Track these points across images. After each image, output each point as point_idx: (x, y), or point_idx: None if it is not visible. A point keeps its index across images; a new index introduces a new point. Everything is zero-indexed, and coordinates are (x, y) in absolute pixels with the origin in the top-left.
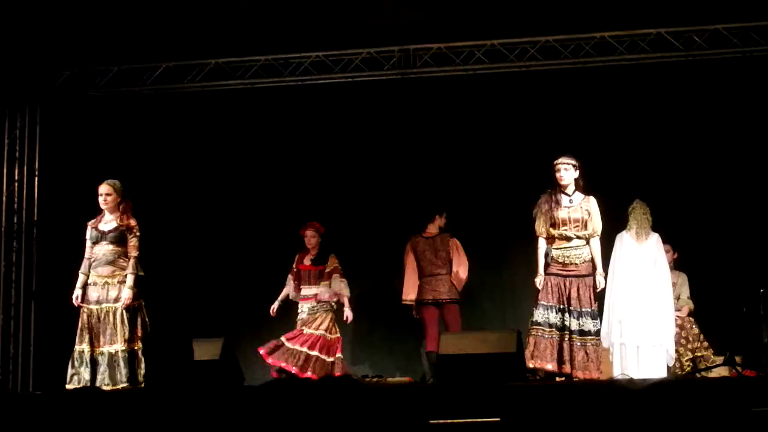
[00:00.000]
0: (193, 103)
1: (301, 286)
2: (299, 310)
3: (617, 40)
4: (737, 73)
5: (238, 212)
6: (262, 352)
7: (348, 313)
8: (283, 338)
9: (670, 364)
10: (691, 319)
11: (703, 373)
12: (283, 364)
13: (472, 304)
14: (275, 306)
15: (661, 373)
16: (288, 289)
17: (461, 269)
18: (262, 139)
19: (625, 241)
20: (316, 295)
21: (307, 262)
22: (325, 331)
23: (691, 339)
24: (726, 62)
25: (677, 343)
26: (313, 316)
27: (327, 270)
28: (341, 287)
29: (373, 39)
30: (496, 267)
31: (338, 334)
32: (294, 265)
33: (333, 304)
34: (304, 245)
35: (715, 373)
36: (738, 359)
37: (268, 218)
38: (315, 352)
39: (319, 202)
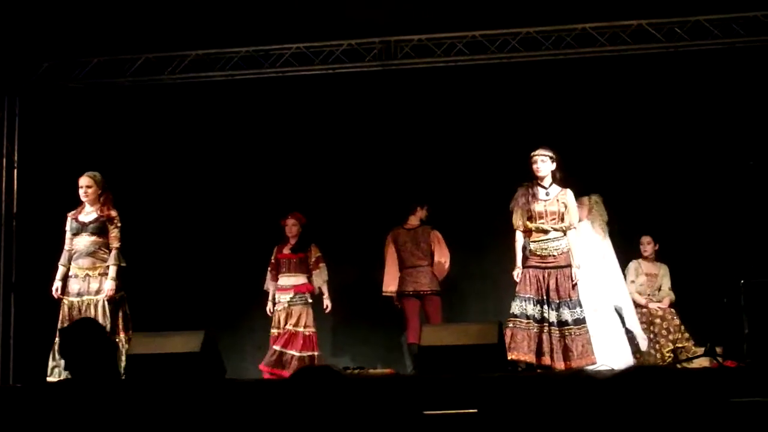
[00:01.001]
0: (173, 94)
1: (279, 276)
2: (277, 300)
3: (598, 31)
4: (719, 64)
5: (219, 204)
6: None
7: (328, 302)
8: (277, 347)
9: (644, 347)
10: (672, 310)
11: (684, 364)
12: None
13: (454, 296)
14: (270, 306)
15: (627, 359)
16: (269, 284)
17: (443, 260)
18: (242, 130)
19: (587, 232)
20: (294, 286)
21: (286, 251)
22: (304, 327)
23: (672, 330)
24: (707, 54)
25: (658, 334)
26: (292, 309)
27: (312, 259)
28: (326, 276)
29: (353, 30)
30: (478, 259)
31: (314, 329)
32: (273, 257)
33: (310, 297)
34: (283, 237)
35: (696, 363)
36: (719, 350)
37: (249, 210)
38: (293, 351)
39: (301, 194)
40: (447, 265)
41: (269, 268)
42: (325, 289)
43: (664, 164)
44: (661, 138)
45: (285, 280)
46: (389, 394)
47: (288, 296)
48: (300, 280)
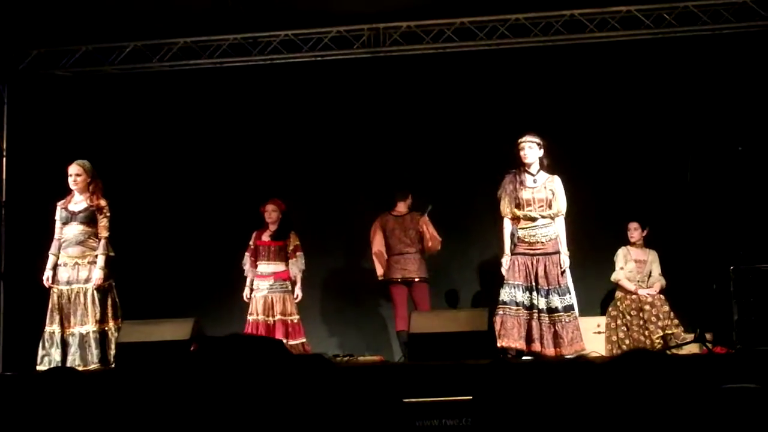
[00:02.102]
0: (162, 82)
1: (258, 263)
2: (255, 287)
3: (587, 17)
4: (708, 50)
5: (208, 191)
6: None
7: (299, 291)
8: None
9: None
10: (662, 296)
11: (674, 351)
12: None
13: (442, 283)
14: (247, 292)
15: None
16: (249, 270)
17: (435, 240)
18: (231, 118)
19: None
20: (275, 273)
21: (265, 238)
22: (289, 315)
23: (661, 316)
24: (696, 40)
25: (648, 320)
26: (273, 297)
27: (290, 247)
28: (302, 265)
29: (342, 17)
30: (467, 246)
31: (299, 316)
32: (251, 243)
33: (291, 284)
34: (263, 223)
35: (686, 350)
36: (708, 336)
37: (238, 198)
38: (282, 339)
39: (290, 181)
40: (438, 245)
41: (248, 254)
42: (298, 279)
43: (653, 150)
44: (650, 124)
45: (264, 267)
46: (379, 382)
47: (268, 283)
48: (280, 267)
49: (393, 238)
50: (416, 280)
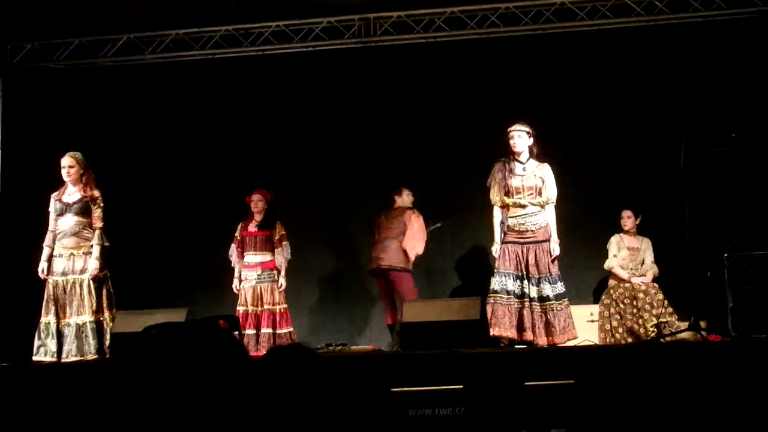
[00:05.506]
0: (155, 74)
1: (245, 253)
2: (243, 277)
3: (578, 5)
4: (699, 37)
5: (201, 182)
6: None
7: (283, 281)
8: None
9: None
10: (656, 284)
11: (668, 339)
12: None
13: (435, 271)
14: (236, 284)
15: None
16: (236, 262)
17: (410, 242)
18: (223, 109)
19: None
20: (262, 263)
21: (252, 228)
22: (276, 304)
23: (655, 305)
24: (688, 27)
25: (641, 308)
26: (262, 287)
27: (276, 237)
28: (288, 254)
29: (333, 8)
30: (459, 234)
31: (286, 305)
32: (237, 234)
33: (278, 274)
34: (248, 213)
35: (680, 338)
36: (703, 324)
37: (232, 188)
38: (269, 330)
39: (282, 172)
40: (413, 248)
41: (234, 245)
42: (283, 268)
43: (646, 137)
44: (642, 111)
45: (251, 257)
46: (368, 371)
47: (255, 273)
48: (266, 257)
49: (382, 231)
50: (396, 268)
